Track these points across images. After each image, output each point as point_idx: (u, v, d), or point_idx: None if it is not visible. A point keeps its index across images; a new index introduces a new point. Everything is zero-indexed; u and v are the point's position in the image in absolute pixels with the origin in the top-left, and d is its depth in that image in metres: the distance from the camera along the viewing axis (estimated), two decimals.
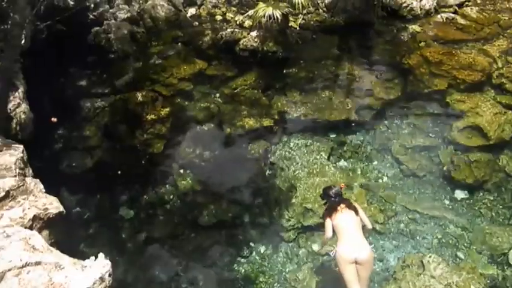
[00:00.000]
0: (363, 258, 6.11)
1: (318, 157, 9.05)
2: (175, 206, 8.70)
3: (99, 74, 10.45)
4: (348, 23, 11.80)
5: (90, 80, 10.36)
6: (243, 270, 8.04)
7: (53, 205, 4.92)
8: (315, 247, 7.97)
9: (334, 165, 9.03)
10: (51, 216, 4.78)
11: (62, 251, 3.38)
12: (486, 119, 9.04)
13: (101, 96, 9.99)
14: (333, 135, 9.59)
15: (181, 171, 9.07)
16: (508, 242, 7.71)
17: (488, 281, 7.23)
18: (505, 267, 7.49)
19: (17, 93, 7.30)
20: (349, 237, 6.20)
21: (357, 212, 6.43)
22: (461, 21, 12.18)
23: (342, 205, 6.41)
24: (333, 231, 6.38)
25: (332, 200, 6.52)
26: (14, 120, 7.16)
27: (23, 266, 2.67)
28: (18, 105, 7.32)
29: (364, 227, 6.49)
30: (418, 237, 8.08)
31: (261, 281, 7.90)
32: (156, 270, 8.03)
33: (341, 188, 6.67)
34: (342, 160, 9.20)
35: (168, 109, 9.50)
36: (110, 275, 2.64)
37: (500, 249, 7.69)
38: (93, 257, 2.81)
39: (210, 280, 7.93)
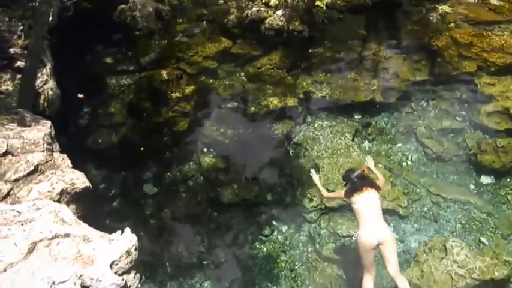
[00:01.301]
0: (384, 239, 6.11)
1: (342, 138, 9.00)
2: (199, 184, 8.79)
3: (125, 52, 10.48)
4: (375, 3, 11.52)
5: (116, 58, 10.40)
6: (265, 249, 8.12)
7: (80, 180, 5.00)
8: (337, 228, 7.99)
9: (358, 146, 8.98)
10: (77, 190, 4.86)
11: (89, 225, 3.46)
12: None
13: (126, 73, 10.04)
14: (357, 117, 9.51)
15: (205, 149, 9.13)
16: None
17: None
18: None
19: (44, 70, 7.38)
20: (369, 221, 6.19)
21: (378, 190, 6.43)
22: (494, 1, 11.81)
23: (364, 188, 6.38)
24: (354, 214, 6.44)
25: (354, 183, 6.47)
26: (42, 97, 7.24)
27: (52, 238, 2.73)
28: (45, 82, 7.39)
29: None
30: (441, 221, 8.03)
31: (282, 259, 7.98)
32: (179, 247, 8.16)
33: (363, 171, 6.59)
34: (366, 142, 9.14)
35: (192, 87, 9.50)
36: (136, 249, 2.68)
37: None
38: (119, 231, 2.85)
39: (232, 258, 8.04)
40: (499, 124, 8.72)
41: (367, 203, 6.28)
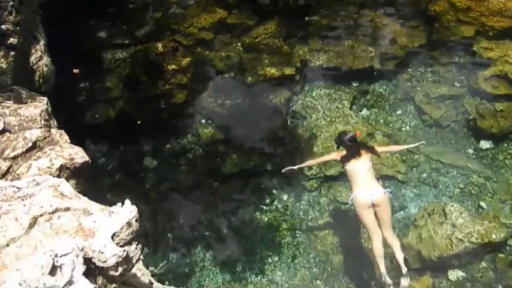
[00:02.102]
0: (378, 199, 6.17)
1: (340, 106, 8.98)
2: (198, 156, 8.82)
3: (119, 25, 10.32)
4: None
5: (110, 31, 10.26)
6: (266, 219, 8.20)
7: (79, 155, 4.99)
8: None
9: (356, 114, 8.96)
10: (77, 165, 4.86)
11: (89, 199, 3.48)
12: None
13: (122, 47, 9.91)
14: (355, 84, 9.45)
15: (203, 120, 9.13)
16: None
17: (510, 230, 7.24)
18: None
19: (38, 46, 7.27)
20: (362, 182, 6.27)
21: (373, 153, 6.49)
22: None
23: (357, 151, 6.42)
24: (347, 176, 6.54)
25: (347, 146, 6.50)
26: (37, 73, 7.17)
27: (53, 212, 2.75)
28: (40, 58, 7.31)
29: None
30: (440, 187, 8.08)
31: (283, 228, 8.07)
32: (180, 219, 8.26)
33: (356, 134, 6.62)
34: (365, 109, 9.11)
35: (188, 59, 9.40)
36: (136, 220, 2.70)
37: None
38: (119, 204, 2.86)
39: (233, 228, 8.14)
40: (498, 89, 8.65)
41: (360, 165, 6.34)
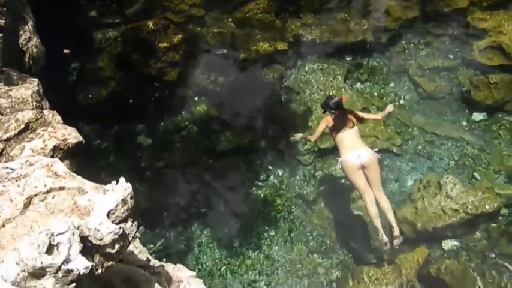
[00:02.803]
0: (366, 160, 6.27)
1: (334, 80, 8.94)
2: (192, 133, 8.81)
3: (109, 4, 10.18)
4: None
5: (100, 11, 10.11)
6: (262, 194, 8.24)
7: (72, 135, 4.96)
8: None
9: (350, 88, 8.94)
10: (70, 146, 4.83)
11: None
12: (510, 37, 8.65)
13: (112, 26, 9.80)
14: (349, 58, 9.39)
15: (197, 98, 9.09)
16: None
17: (504, 200, 7.32)
18: None
19: (26, 27, 7.16)
20: (350, 145, 6.39)
21: (358, 120, 6.62)
22: None
23: (343, 115, 6.53)
24: (334, 141, 6.71)
25: (332, 111, 6.59)
26: (27, 55, 7.09)
27: (47, 191, 2.74)
28: (29, 39, 7.21)
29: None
30: (435, 159, 8.12)
31: (279, 203, 8.11)
32: (176, 196, 8.28)
33: (342, 99, 6.70)
34: (358, 83, 9.08)
35: (180, 36, 9.31)
36: (131, 198, 2.69)
37: None
38: (114, 182, 2.85)
39: (229, 204, 8.17)
40: (492, 60, 8.64)
41: (347, 129, 6.46)
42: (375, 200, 6.33)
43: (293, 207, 8.05)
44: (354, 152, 6.32)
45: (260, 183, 8.33)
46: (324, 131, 6.82)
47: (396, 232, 6.23)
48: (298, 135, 7.14)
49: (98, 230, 2.53)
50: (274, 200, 8.12)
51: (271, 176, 8.38)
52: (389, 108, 6.96)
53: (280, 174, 8.39)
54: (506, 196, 7.40)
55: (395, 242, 6.31)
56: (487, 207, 7.06)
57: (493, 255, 7.01)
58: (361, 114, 6.78)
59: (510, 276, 6.76)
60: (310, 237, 7.80)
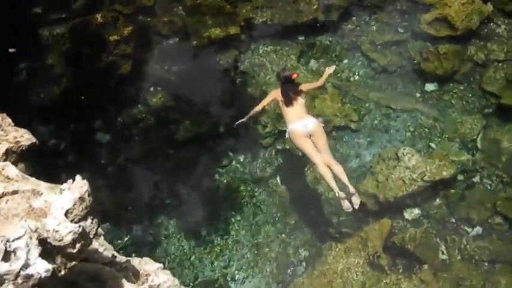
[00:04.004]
0: (312, 128, 6.50)
1: (288, 61, 8.97)
2: (151, 125, 8.72)
3: None
4: None
5: (45, 6, 9.79)
6: (225, 180, 8.27)
7: (24, 137, 4.79)
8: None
9: (304, 67, 8.98)
10: (24, 148, 4.66)
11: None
12: (454, 9, 8.86)
13: (59, 22, 9.47)
14: (301, 38, 9.39)
15: (152, 89, 8.97)
16: (476, 129, 7.96)
17: (459, 166, 7.56)
18: (475, 152, 7.82)
19: None
20: (296, 116, 6.60)
21: (304, 92, 6.84)
22: None
23: (291, 89, 6.72)
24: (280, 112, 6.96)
25: (282, 84, 6.81)
26: None
27: (0, 197, 2.65)
28: None
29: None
30: (392, 132, 8.28)
31: (242, 188, 8.17)
32: (139, 190, 8.21)
33: (291, 75, 6.83)
34: (312, 61, 9.12)
35: (130, 28, 9.11)
36: (89, 195, 2.64)
37: (470, 136, 7.97)
38: (70, 180, 2.79)
39: (193, 193, 8.16)
40: (440, 31, 8.81)
41: (294, 102, 6.68)
42: (324, 163, 6.50)
43: (257, 190, 8.12)
44: (301, 121, 6.55)
45: (222, 170, 8.35)
46: (270, 104, 7.08)
47: (352, 190, 6.38)
48: (240, 120, 7.13)
49: (56, 231, 2.48)
50: (237, 185, 8.16)
51: (233, 162, 8.41)
52: (329, 70, 7.13)
53: (242, 159, 8.42)
54: (462, 162, 7.66)
55: (354, 201, 6.45)
56: (444, 174, 7.29)
57: (453, 220, 7.27)
58: (304, 87, 6.97)
59: (469, 237, 7.03)
60: (276, 219, 7.90)
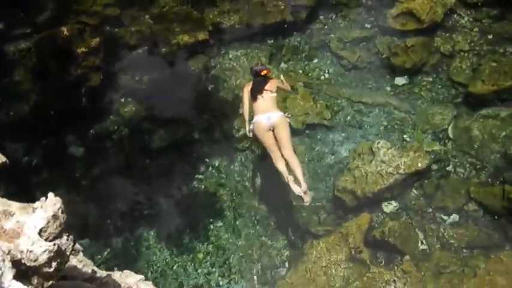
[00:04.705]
0: (275, 121, 6.72)
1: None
2: (124, 136, 8.65)
3: (17, 14, 9.72)
4: None
5: (7, 22, 9.63)
6: (203, 186, 8.23)
7: None
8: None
9: (275, 69, 8.98)
10: None
11: (18, 201, 3.31)
12: (418, 2, 8.96)
13: (24, 37, 9.32)
14: (270, 40, 9.41)
15: (123, 99, 8.91)
16: (447, 119, 8.09)
17: (433, 157, 7.68)
18: (446, 142, 7.94)
19: None
20: (263, 109, 6.83)
21: (274, 88, 7.04)
22: None
23: (262, 83, 6.99)
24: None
25: (254, 77, 7.11)
26: None
27: None
28: None
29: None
30: (365, 127, 8.34)
31: (221, 193, 8.15)
32: (117, 202, 8.13)
33: (261, 71, 7.06)
34: (283, 63, 9.16)
35: (98, 39, 9.04)
36: (62, 212, 2.60)
37: (441, 126, 8.07)
38: (43, 198, 2.75)
39: (172, 201, 8.12)
40: (406, 25, 8.92)
41: (264, 95, 6.92)
42: (281, 157, 6.70)
43: (235, 194, 8.11)
44: (265, 114, 6.76)
45: (200, 176, 8.32)
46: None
47: (304, 187, 6.52)
48: (248, 129, 7.22)
49: (30, 251, 2.44)
50: (216, 190, 8.14)
51: (210, 167, 8.39)
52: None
53: (218, 164, 8.42)
54: (435, 152, 7.78)
55: (305, 198, 6.60)
56: (419, 165, 7.39)
57: (430, 210, 7.37)
58: (276, 83, 7.18)
59: (446, 225, 7.14)
60: (256, 221, 7.90)
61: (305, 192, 6.56)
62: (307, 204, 6.69)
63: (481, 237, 6.88)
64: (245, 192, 8.11)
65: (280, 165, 6.68)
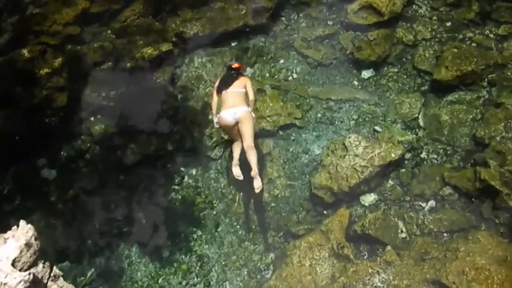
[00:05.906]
0: (240, 116, 7.01)
1: (225, 69, 8.96)
2: (96, 154, 8.57)
3: None
4: None
5: None
6: (180, 197, 8.21)
7: None
8: None
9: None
10: None
11: None
12: None
13: None
14: (234, 44, 9.40)
15: (92, 118, 8.82)
16: (416, 107, 8.21)
17: (406, 146, 7.78)
18: (417, 130, 8.06)
19: None
20: (230, 104, 7.08)
21: (242, 86, 7.28)
22: None
23: (232, 78, 7.31)
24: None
25: (226, 72, 7.50)
26: None
27: None
28: None
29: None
30: (336, 123, 8.40)
31: (199, 202, 8.13)
32: (95, 222, 8.04)
33: (231, 66, 7.44)
34: (249, 67, 9.15)
35: (60, 59, 8.89)
36: (35, 239, 2.57)
37: (411, 115, 8.19)
38: (15, 227, 2.70)
39: (150, 215, 8.07)
40: (367, 19, 8.99)
41: (233, 90, 7.18)
42: (240, 145, 7.12)
43: (214, 202, 8.09)
44: (231, 109, 7.03)
45: (176, 187, 8.28)
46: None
47: (253, 173, 6.76)
48: (215, 122, 7.42)
49: (5, 284, 2.39)
50: (194, 200, 8.11)
51: (186, 177, 8.36)
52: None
53: (194, 173, 8.39)
54: (407, 141, 7.90)
55: (255, 184, 6.79)
56: (392, 156, 7.49)
57: (408, 198, 7.46)
58: (246, 82, 7.39)
59: (425, 212, 7.25)
60: (238, 227, 7.90)
61: (254, 178, 6.75)
62: (258, 191, 6.81)
63: (458, 220, 7.00)
64: (223, 199, 8.09)
65: (235, 151, 7.15)
